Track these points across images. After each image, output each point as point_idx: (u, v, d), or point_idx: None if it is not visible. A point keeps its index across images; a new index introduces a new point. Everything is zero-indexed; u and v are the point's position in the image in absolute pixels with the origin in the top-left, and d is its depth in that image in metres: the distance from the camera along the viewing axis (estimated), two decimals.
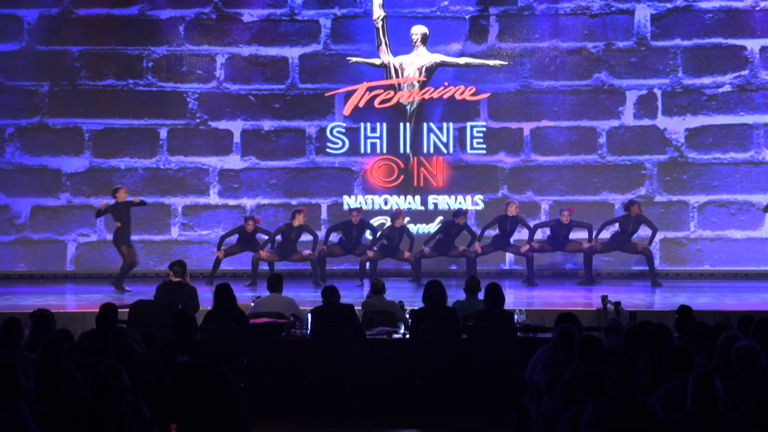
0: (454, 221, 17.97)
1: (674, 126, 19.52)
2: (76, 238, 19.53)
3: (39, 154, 19.49)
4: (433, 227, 19.24)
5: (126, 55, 19.53)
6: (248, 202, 19.56)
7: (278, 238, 17.94)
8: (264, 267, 17.82)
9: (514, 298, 15.44)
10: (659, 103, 19.51)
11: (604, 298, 13.45)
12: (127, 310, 11.85)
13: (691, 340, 8.51)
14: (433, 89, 19.33)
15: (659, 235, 19.25)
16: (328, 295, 11.35)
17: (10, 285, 15.61)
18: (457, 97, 19.33)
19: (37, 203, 19.41)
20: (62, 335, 8.68)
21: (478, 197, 19.52)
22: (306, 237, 18.08)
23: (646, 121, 19.57)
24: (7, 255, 19.34)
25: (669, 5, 19.51)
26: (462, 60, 19.43)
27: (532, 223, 18.28)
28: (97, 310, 10.17)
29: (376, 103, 19.32)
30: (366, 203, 19.48)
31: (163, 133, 19.60)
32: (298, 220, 17.81)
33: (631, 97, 19.54)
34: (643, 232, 18.21)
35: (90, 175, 19.54)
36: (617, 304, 12.82)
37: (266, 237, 17.99)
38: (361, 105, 19.34)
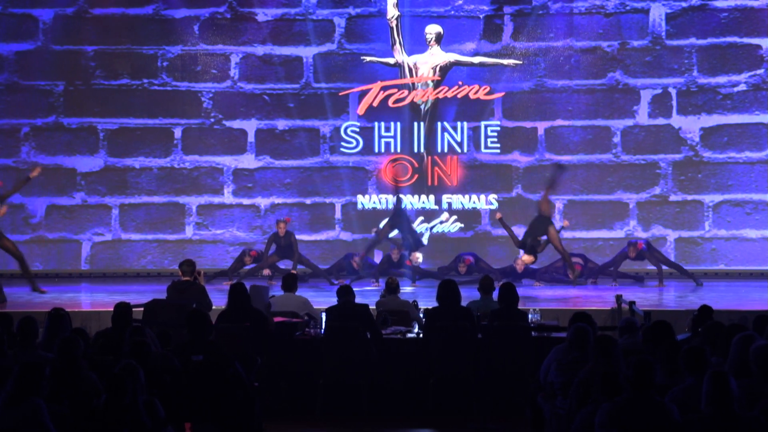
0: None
1: (689, 125, 19.48)
2: (91, 238, 19.57)
3: (54, 153, 19.54)
4: (447, 226, 19.26)
5: (141, 54, 19.57)
6: (262, 202, 19.58)
7: (273, 247, 18.00)
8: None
9: (528, 298, 15.42)
10: (674, 103, 19.47)
11: (619, 298, 13.42)
12: (142, 309, 11.88)
13: (705, 339, 8.50)
14: (447, 88, 19.31)
15: (674, 235, 19.26)
16: (343, 294, 11.34)
17: (25, 284, 15.63)
18: (472, 96, 19.31)
19: (52, 202, 19.46)
20: (77, 334, 8.71)
21: (492, 196, 19.50)
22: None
23: (660, 121, 19.53)
24: (23, 254, 19.38)
25: (684, 4, 19.47)
26: (476, 59, 19.41)
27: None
28: (112, 309, 10.21)
29: (390, 103, 19.32)
30: (380, 202, 19.48)
31: (178, 132, 19.63)
32: (281, 230, 17.92)
33: (646, 97, 19.51)
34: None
35: (105, 174, 19.58)
36: (632, 303, 12.79)
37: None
38: (375, 104, 19.33)
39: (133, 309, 10.37)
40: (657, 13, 19.50)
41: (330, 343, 11.02)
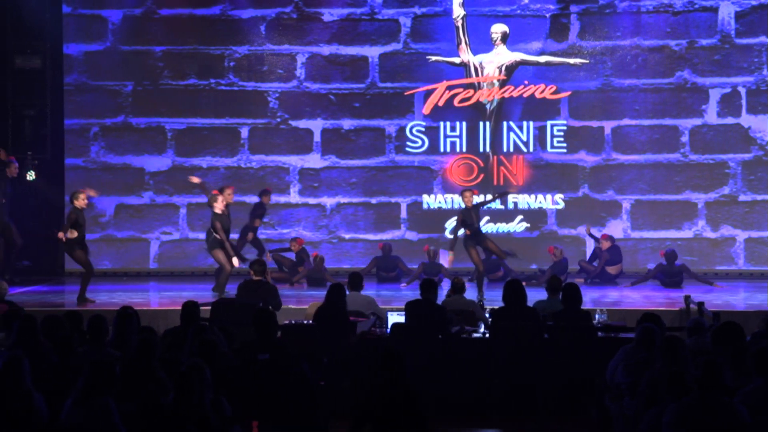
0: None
1: (759, 124, 19.26)
2: (159, 237, 19.75)
3: (122, 153, 19.74)
4: (513, 226, 19.22)
5: (208, 54, 19.71)
6: (328, 201, 19.64)
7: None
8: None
9: (596, 298, 15.34)
10: (743, 102, 19.25)
11: (687, 299, 13.34)
12: (209, 308, 11.97)
13: None
14: (513, 88, 19.26)
15: (743, 235, 19.06)
16: (426, 290, 11.35)
17: (94, 282, 15.79)
18: (537, 95, 19.24)
19: (120, 202, 19.65)
20: (146, 333, 8.79)
21: (559, 196, 19.41)
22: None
23: (729, 120, 19.33)
24: (92, 253, 19.53)
25: (754, 2, 19.24)
26: (542, 58, 19.34)
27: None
28: (180, 308, 10.30)
29: (455, 102, 19.30)
30: (445, 202, 19.47)
31: (245, 132, 19.74)
32: (295, 247, 18.41)
33: (715, 96, 19.31)
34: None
35: (172, 174, 19.74)
36: (700, 304, 12.70)
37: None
38: (440, 104, 19.32)
39: (201, 308, 10.45)
40: (726, 12, 19.30)
41: (396, 342, 11.03)
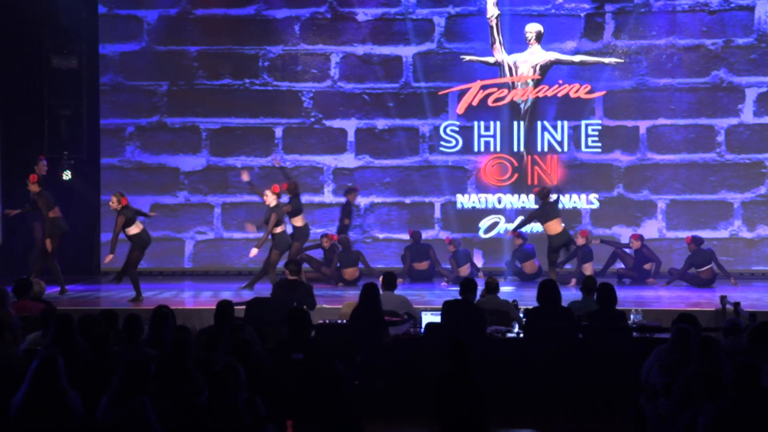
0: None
1: None
2: (193, 236, 19.82)
3: (157, 152, 19.82)
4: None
5: (242, 54, 19.76)
6: (362, 201, 19.64)
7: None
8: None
9: (631, 298, 15.27)
10: None
11: (723, 299, 13.26)
12: (244, 307, 12.00)
13: None
14: (547, 87, 19.22)
15: None
16: (466, 290, 11.33)
17: (129, 282, 15.88)
18: (572, 95, 19.19)
19: (155, 201, 19.72)
20: (181, 332, 8.83)
21: (593, 196, 19.35)
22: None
23: (766, 119, 19.22)
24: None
25: None
26: (577, 58, 19.28)
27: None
28: (214, 307, 10.33)
29: (489, 102, 19.28)
30: (479, 202, 19.45)
31: (279, 132, 19.79)
32: (326, 243, 18.31)
33: (751, 95, 19.20)
34: None
35: (207, 173, 19.81)
36: (737, 304, 12.63)
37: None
38: (474, 103, 19.31)
39: (235, 307, 10.48)
40: (762, 10, 19.18)
41: (429, 342, 11.03)
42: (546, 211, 17.12)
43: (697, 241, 17.60)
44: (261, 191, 16.89)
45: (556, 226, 17.03)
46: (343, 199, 19.12)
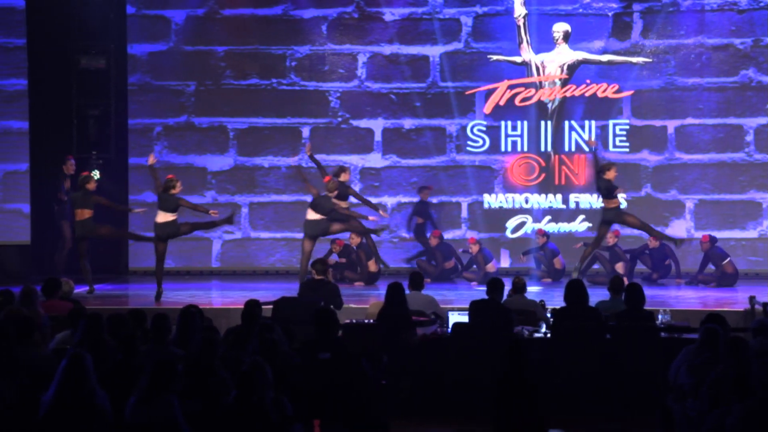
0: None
1: None
2: (221, 236, 19.87)
3: (185, 152, 19.88)
4: (575, 226, 19.15)
5: (269, 54, 19.80)
6: (389, 201, 19.64)
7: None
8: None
9: (660, 298, 15.23)
10: None
11: (752, 299, 13.20)
12: (271, 306, 12.03)
13: None
14: (574, 87, 19.18)
15: None
16: (492, 290, 11.32)
17: (153, 281, 15.95)
18: (599, 94, 19.14)
19: None
20: (209, 332, 8.85)
21: (621, 196, 19.26)
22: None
23: None
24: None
25: None
26: (604, 57, 19.23)
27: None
28: (242, 307, 10.36)
29: (517, 101, 19.26)
30: (506, 201, 19.44)
31: (306, 131, 19.82)
32: (354, 241, 18.14)
33: None
34: None
35: (234, 173, 19.86)
36: (766, 305, 12.56)
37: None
38: (501, 103, 19.29)
39: (263, 306, 10.50)
40: None
41: (455, 342, 11.02)
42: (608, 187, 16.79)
43: (712, 239, 17.63)
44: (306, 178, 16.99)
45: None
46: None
